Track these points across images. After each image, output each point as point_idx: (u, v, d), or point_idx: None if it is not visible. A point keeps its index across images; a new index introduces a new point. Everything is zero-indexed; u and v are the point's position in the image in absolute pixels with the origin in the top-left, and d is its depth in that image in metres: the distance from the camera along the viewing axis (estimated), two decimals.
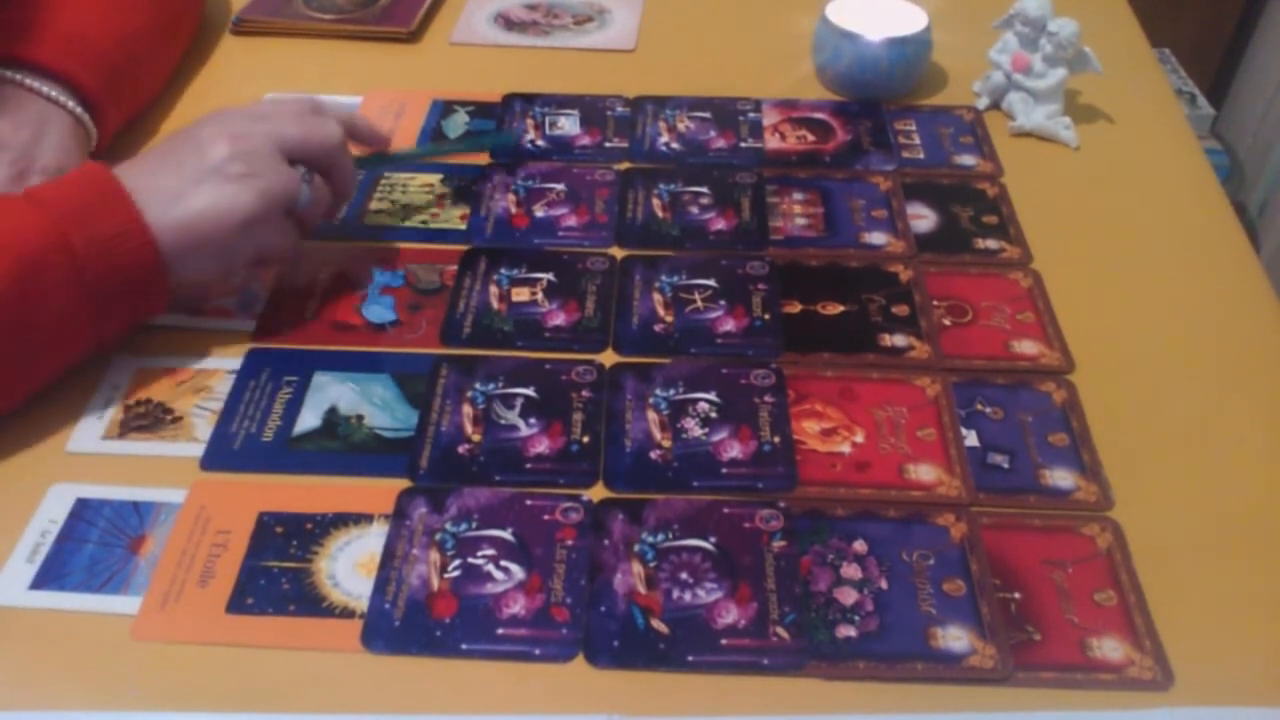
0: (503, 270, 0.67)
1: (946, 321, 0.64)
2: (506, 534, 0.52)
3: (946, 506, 0.54)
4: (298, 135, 0.60)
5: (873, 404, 0.59)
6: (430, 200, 0.73)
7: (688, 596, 0.50)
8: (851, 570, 0.51)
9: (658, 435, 0.57)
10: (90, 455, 0.56)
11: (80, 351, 0.57)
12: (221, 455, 0.56)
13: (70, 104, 0.67)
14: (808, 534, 0.52)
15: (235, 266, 0.59)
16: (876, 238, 0.70)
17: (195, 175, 0.56)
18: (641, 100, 0.82)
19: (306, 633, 0.48)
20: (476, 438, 0.57)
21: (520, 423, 0.57)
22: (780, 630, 0.48)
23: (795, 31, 0.87)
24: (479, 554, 0.51)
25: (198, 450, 0.56)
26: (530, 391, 0.59)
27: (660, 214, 0.72)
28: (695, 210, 0.72)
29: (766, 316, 0.64)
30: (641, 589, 0.50)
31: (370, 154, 0.70)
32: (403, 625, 0.48)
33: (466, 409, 0.58)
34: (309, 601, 0.49)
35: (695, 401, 0.59)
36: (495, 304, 0.65)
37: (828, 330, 0.63)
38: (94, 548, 0.51)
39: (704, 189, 0.73)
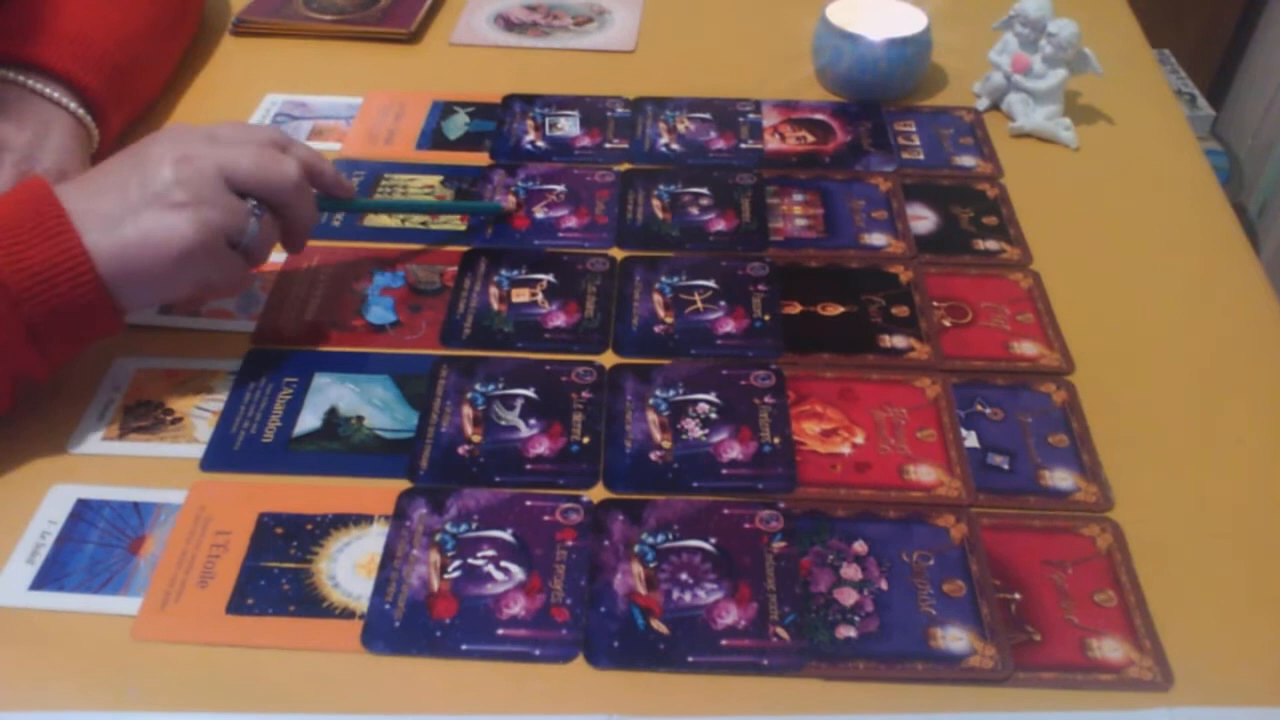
0: (503, 271, 0.67)
1: (946, 322, 0.64)
2: (506, 535, 0.52)
3: (946, 507, 0.54)
4: (249, 169, 0.56)
5: (873, 405, 0.59)
6: (431, 201, 0.73)
7: (688, 597, 0.50)
8: (851, 571, 0.51)
9: (658, 436, 0.57)
10: (90, 456, 0.56)
11: (34, 375, 0.55)
12: (221, 456, 0.56)
13: (72, 105, 0.67)
14: (808, 535, 0.52)
15: (178, 296, 0.56)
16: (876, 239, 0.70)
17: (137, 200, 0.53)
18: (641, 101, 0.82)
19: (306, 633, 0.48)
20: (476, 439, 0.57)
21: (520, 424, 0.57)
22: (780, 631, 0.48)
23: (795, 32, 0.87)
24: (479, 555, 0.51)
25: (198, 451, 0.56)
26: (530, 392, 0.59)
27: (660, 215, 0.72)
28: (695, 211, 0.72)
29: (766, 317, 0.64)
30: (641, 589, 0.50)
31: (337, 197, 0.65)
32: (403, 626, 0.48)
33: (466, 410, 0.58)
34: (309, 602, 0.49)
35: (695, 402, 0.59)
36: (495, 305, 0.65)
37: (828, 331, 0.63)
38: (94, 548, 0.51)
39: (704, 190, 0.73)
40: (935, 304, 0.65)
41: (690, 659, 0.48)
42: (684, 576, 0.51)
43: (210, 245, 0.54)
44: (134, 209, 0.53)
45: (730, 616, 0.49)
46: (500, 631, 0.48)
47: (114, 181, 0.54)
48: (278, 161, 0.57)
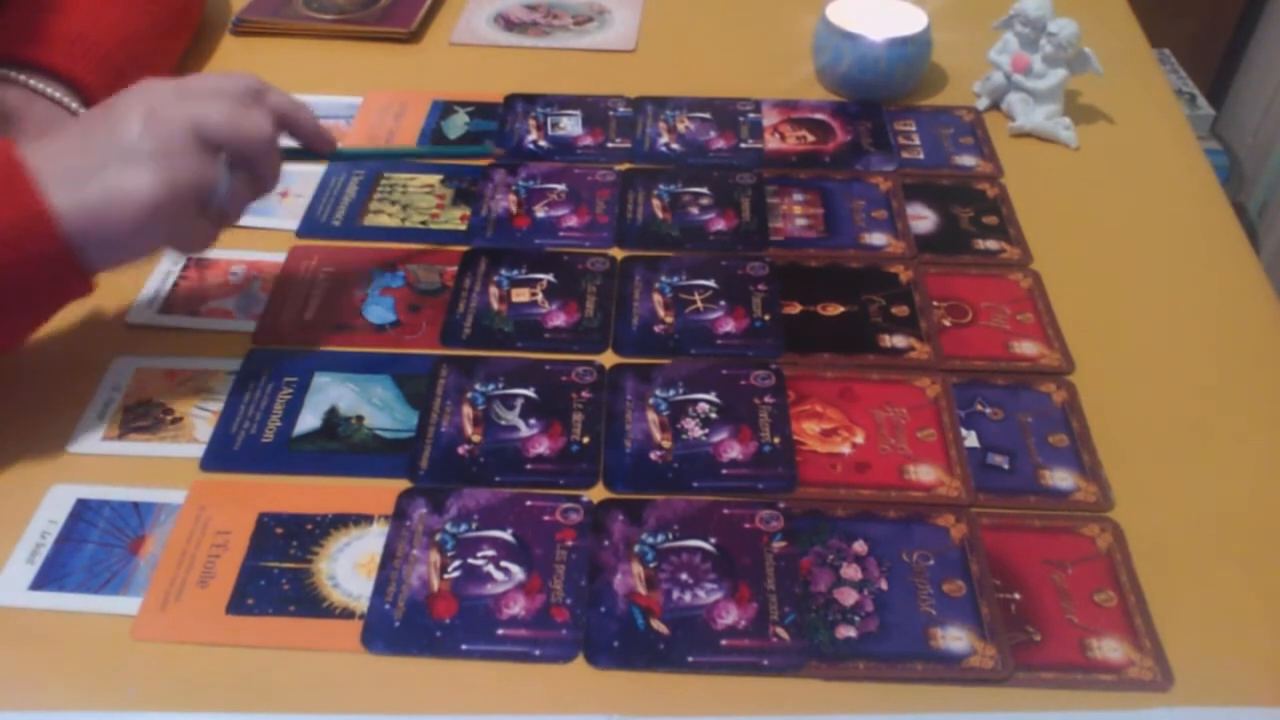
0: (503, 271, 0.67)
1: (946, 322, 0.64)
2: (506, 535, 0.52)
3: (946, 507, 0.54)
4: (221, 124, 0.53)
5: (873, 405, 0.59)
6: (430, 201, 0.73)
7: (688, 597, 0.50)
8: (851, 571, 0.51)
9: (658, 436, 0.57)
10: (90, 456, 0.56)
11: (11, 341, 0.55)
12: (221, 456, 0.56)
13: (73, 105, 0.67)
14: (808, 534, 0.52)
15: (146, 255, 0.55)
16: (876, 238, 0.70)
17: (102, 155, 0.51)
18: (641, 101, 0.82)
19: (306, 633, 0.48)
20: (476, 438, 0.57)
21: (520, 423, 0.57)
22: (780, 630, 0.48)
23: (795, 32, 0.87)
24: (479, 555, 0.51)
25: (198, 451, 0.56)
26: (530, 392, 0.59)
27: (660, 215, 0.72)
28: (695, 211, 0.72)
29: (766, 317, 0.64)
30: (641, 589, 0.50)
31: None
32: (403, 626, 0.48)
33: (466, 410, 0.58)
34: (309, 602, 0.49)
35: (695, 402, 0.59)
36: (495, 305, 0.65)
37: (828, 331, 0.63)
38: (94, 548, 0.51)
39: (704, 190, 0.73)
40: (935, 304, 0.65)
41: (690, 659, 0.48)
42: (684, 576, 0.51)
43: (176, 203, 0.52)
44: (100, 164, 0.51)
45: (730, 616, 0.49)
46: (500, 631, 0.48)
47: (81, 138, 0.52)
48: (249, 117, 0.55)
